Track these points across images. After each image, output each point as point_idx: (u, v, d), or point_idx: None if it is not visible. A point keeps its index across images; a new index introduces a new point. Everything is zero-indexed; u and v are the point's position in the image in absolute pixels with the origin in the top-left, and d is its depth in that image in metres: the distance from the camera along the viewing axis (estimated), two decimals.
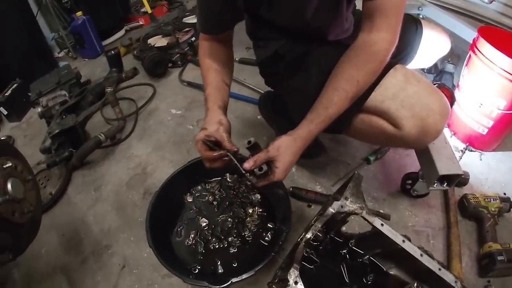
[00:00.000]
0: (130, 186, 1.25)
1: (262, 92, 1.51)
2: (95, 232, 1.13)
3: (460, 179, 0.98)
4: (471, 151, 1.20)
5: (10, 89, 1.70)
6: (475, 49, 1.07)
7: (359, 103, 0.78)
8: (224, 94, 0.88)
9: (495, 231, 0.94)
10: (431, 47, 1.09)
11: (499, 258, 0.85)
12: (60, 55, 2.18)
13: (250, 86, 1.60)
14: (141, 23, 2.42)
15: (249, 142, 0.78)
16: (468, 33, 1.33)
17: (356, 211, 0.70)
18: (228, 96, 0.91)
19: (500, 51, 0.98)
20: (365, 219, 0.70)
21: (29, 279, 1.03)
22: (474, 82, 1.12)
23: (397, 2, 0.70)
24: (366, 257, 0.83)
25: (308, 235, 0.72)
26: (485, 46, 1.03)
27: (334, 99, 0.73)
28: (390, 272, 0.81)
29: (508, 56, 0.97)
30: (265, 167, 0.76)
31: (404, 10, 0.73)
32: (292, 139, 0.75)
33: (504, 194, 1.04)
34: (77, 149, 1.34)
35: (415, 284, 0.73)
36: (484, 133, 1.14)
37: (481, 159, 1.18)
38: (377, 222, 0.69)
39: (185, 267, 0.92)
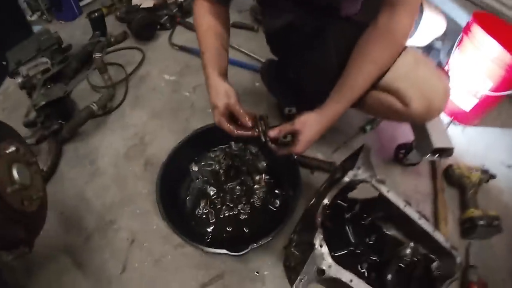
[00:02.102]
0: (129, 157, 1.19)
1: (258, 58, 1.47)
2: (96, 207, 1.06)
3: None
4: (455, 125, 1.29)
5: None
6: (468, 33, 1.11)
7: (375, 82, 0.82)
8: (224, 60, 0.86)
9: (476, 199, 1.03)
10: (429, 27, 1.13)
11: (480, 222, 0.94)
12: (32, 18, 1.91)
13: (245, 52, 1.53)
14: None
15: (290, 110, 0.81)
16: (462, 16, 1.36)
17: (367, 179, 0.75)
18: (227, 61, 0.88)
19: (491, 36, 1.03)
20: (374, 186, 0.76)
21: (29, 264, 0.93)
22: (464, 63, 1.17)
23: None
24: (368, 220, 0.90)
25: (325, 201, 0.76)
26: (477, 31, 1.07)
27: (359, 81, 0.77)
28: (389, 233, 0.88)
29: (499, 43, 1.02)
30: (289, 138, 0.79)
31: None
32: (319, 117, 0.78)
33: (483, 166, 1.13)
34: (65, 121, 1.24)
35: (411, 244, 0.81)
36: (468, 110, 1.22)
37: (463, 133, 1.27)
38: (384, 189, 0.75)
39: (198, 236, 0.93)
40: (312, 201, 0.86)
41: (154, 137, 1.25)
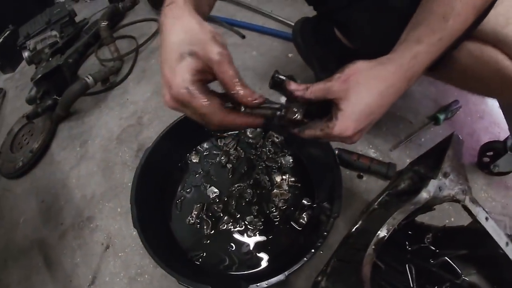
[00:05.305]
0: (122, 140, 0.92)
1: (292, 25, 1.13)
2: (76, 199, 0.84)
3: None
4: None
5: (2, 37, 1.36)
6: None
7: (471, 25, 0.44)
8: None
9: None
10: None
11: None
12: None
13: (279, 18, 1.18)
14: None
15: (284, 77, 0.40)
16: None
17: (457, 197, 0.44)
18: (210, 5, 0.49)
19: None
20: (466, 209, 0.44)
21: (7, 255, 0.82)
22: None
23: None
24: (441, 259, 0.56)
25: (383, 233, 0.43)
26: None
27: (456, 5, 0.40)
28: (468, 280, 0.55)
29: None
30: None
31: None
32: (383, 68, 0.39)
33: None
34: None
35: None
36: None
37: None
38: (482, 215, 0.45)
39: (182, 257, 0.63)
40: (358, 225, 0.51)
41: (154, 117, 0.96)
